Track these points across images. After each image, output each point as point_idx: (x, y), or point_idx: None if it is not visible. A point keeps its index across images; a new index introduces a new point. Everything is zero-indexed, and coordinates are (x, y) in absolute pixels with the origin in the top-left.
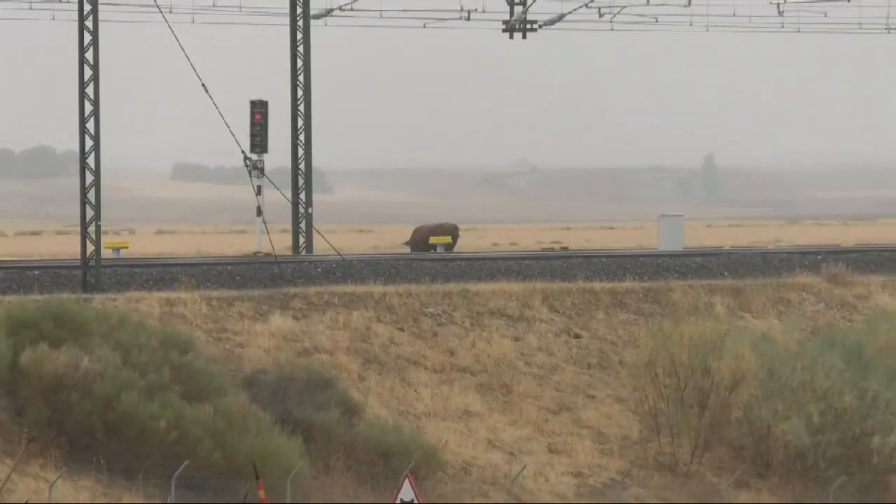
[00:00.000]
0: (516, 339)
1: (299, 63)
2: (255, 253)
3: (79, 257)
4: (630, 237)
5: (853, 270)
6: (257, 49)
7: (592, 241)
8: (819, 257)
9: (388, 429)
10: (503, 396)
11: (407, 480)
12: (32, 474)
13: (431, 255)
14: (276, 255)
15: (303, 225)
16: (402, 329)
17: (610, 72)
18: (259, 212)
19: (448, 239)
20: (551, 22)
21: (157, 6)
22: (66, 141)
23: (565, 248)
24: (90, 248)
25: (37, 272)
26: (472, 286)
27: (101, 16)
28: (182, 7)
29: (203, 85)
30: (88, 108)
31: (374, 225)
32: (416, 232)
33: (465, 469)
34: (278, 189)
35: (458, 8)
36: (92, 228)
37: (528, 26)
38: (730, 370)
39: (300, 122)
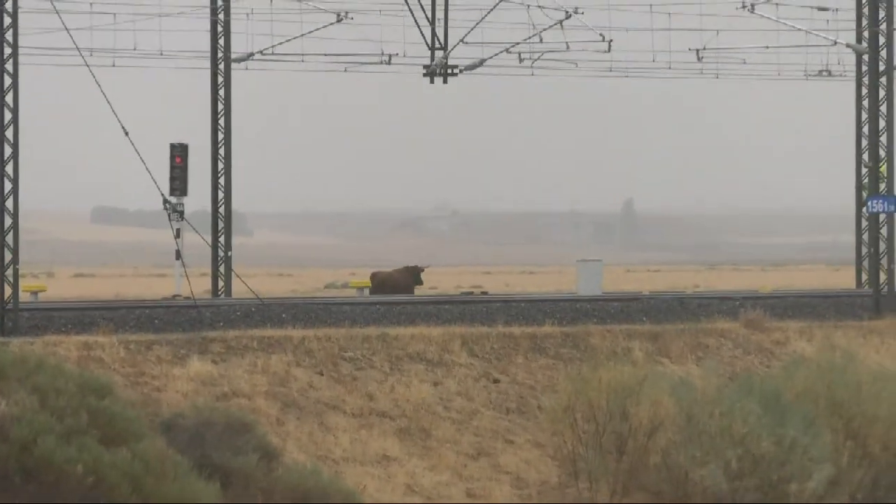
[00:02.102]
0: (435, 384)
1: (220, 107)
2: (174, 296)
3: None
4: (549, 281)
5: (771, 316)
6: (178, 93)
7: (512, 285)
8: (737, 303)
9: (307, 473)
10: (422, 441)
11: None
12: None
13: (350, 298)
14: (194, 299)
15: (222, 268)
16: (320, 373)
17: (530, 116)
18: (178, 255)
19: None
20: (472, 66)
21: (78, 49)
22: None
23: (485, 293)
24: (8, 291)
25: None
26: (392, 330)
27: (20, 59)
28: (103, 50)
29: (123, 128)
30: (8, 151)
31: (293, 268)
32: (399, 272)
33: None
34: (197, 232)
35: (379, 52)
36: (10, 272)
37: (449, 71)
38: (648, 415)
39: (220, 166)
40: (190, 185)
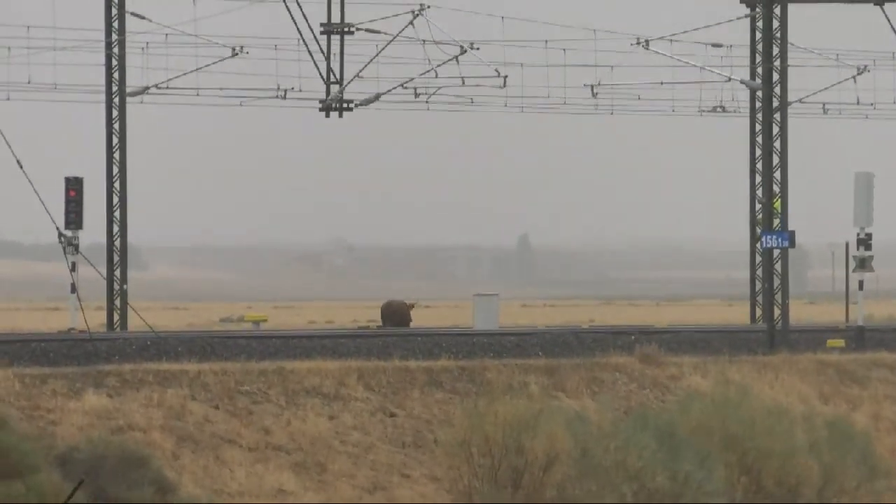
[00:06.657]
0: (331, 418)
1: (115, 140)
2: (70, 330)
3: None
4: (446, 316)
5: (666, 351)
6: (74, 126)
7: None
8: (632, 337)
9: None
10: (318, 475)
11: None
12: None
13: (245, 332)
14: (90, 332)
15: (117, 302)
16: (216, 407)
17: (426, 151)
18: (73, 288)
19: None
20: (367, 102)
21: None
22: None
23: (381, 327)
24: None
25: None
26: (288, 364)
27: None
28: None
29: (18, 161)
30: None
31: (189, 302)
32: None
33: None
34: (93, 266)
35: (275, 87)
36: None
37: (345, 105)
38: (543, 450)
39: (115, 199)
40: (85, 218)
